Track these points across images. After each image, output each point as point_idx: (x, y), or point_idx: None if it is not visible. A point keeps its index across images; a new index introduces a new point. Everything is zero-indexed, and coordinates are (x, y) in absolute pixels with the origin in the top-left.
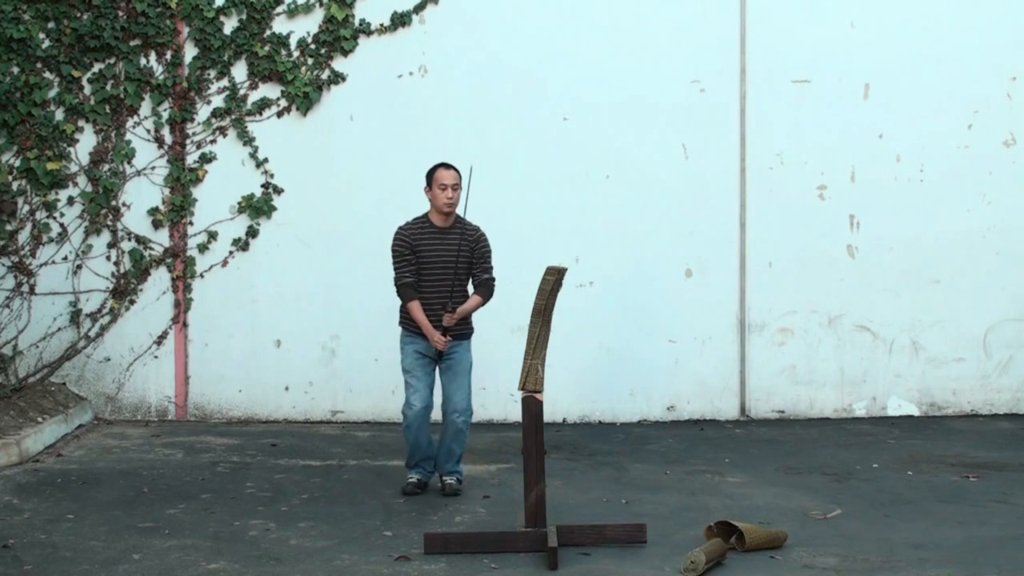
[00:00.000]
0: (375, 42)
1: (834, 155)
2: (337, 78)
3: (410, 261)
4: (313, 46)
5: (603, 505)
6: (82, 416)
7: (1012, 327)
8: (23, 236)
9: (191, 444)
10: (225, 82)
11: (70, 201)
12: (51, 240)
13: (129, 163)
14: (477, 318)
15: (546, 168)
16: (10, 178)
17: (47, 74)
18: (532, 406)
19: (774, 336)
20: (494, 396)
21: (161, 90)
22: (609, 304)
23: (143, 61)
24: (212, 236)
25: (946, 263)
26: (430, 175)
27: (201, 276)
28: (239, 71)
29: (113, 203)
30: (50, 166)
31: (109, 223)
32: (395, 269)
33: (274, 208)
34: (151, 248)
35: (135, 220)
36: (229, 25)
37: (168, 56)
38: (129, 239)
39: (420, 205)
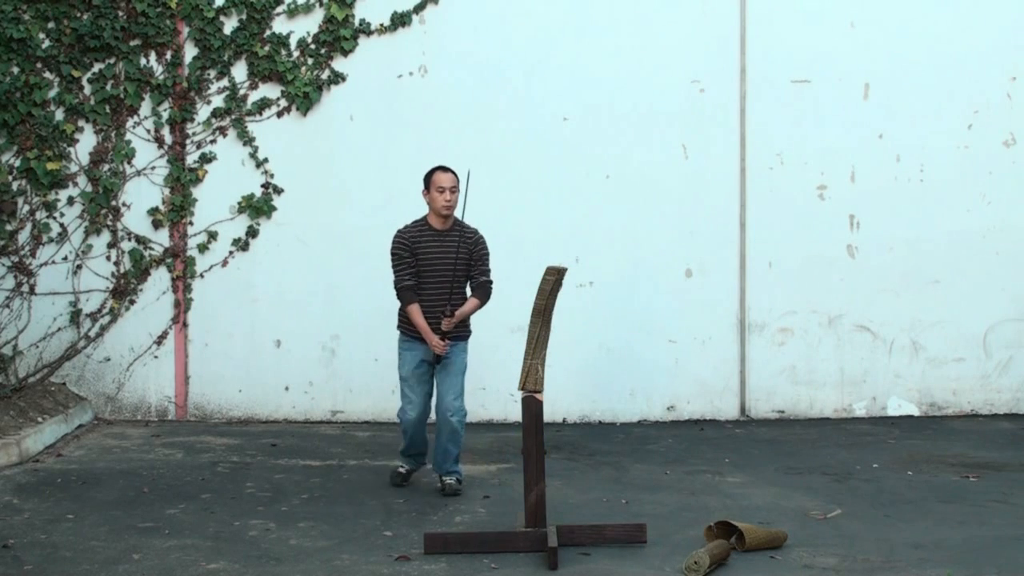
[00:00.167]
0: (375, 42)
1: (834, 155)
2: (337, 78)
3: (410, 264)
4: (313, 46)
5: (603, 505)
6: (82, 416)
7: (1012, 327)
8: (23, 236)
9: (191, 444)
10: (225, 82)
11: (70, 201)
12: (51, 240)
13: (129, 163)
14: (476, 319)
15: (546, 168)
16: (10, 178)
17: (47, 74)
18: (532, 406)
19: (774, 336)
20: (494, 396)
21: (161, 90)
22: (609, 304)
23: (143, 61)
24: (212, 236)
25: (946, 263)
26: (428, 178)
27: (201, 276)
28: (239, 71)
29: (113, 203)
30: (50, 166)
31: (109, 223)
32: (395, 272)
33: (274, 208)
34: (151, 248)
35: (135, 220)
36: (229, 25)
37: (168, 56)
38: (129, 239)
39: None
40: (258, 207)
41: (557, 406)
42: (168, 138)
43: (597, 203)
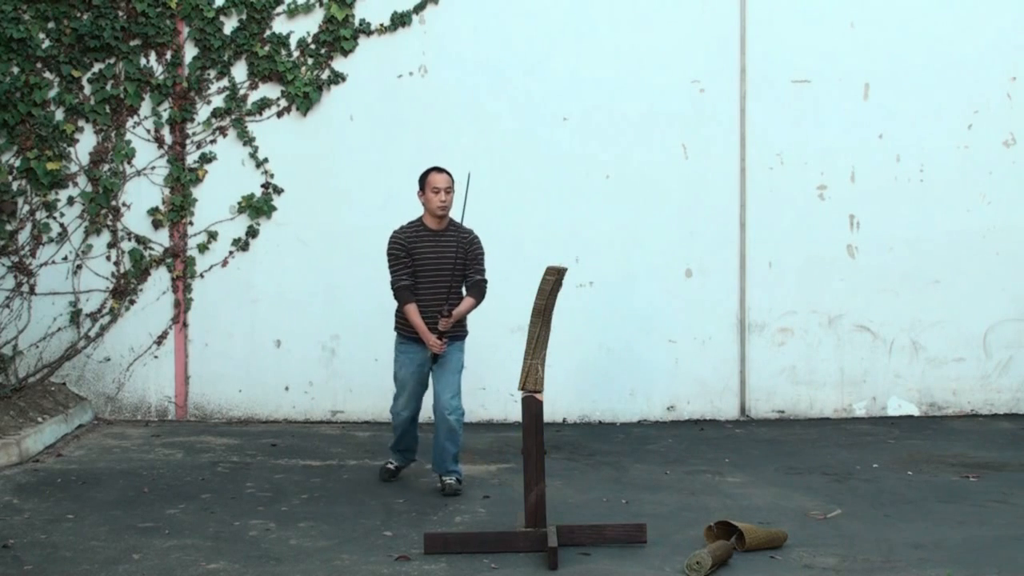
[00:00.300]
0: (375, 42)
1: (834, 155)
2: (337, 78)
3: (406, 264)
4: (313, 46)
5: (603, 505)
6: (82, 416)
7: (1012, 327)
8: (23, 236)
9: (191, 444)
10: (225, 82)
11: (70, 201)
12: (51, 240)
13: (129, 163)
14: (477, 318)
15: (546, 168)
16: (10, 178)
17: (47, 74)
18: (532, 406)
19: (774, 336)
20: (494, 396)
21: (161, 90)
22: (609, 304)
23: (143, 61)
24: (212, 236)
25: (946, 263)
26: (423, 179)
27: (201, 276)
28: (239, 71)
29: (113, 203)
30: (50, 166)
31: (109, 223)
32: (392, 272)
33: (274, 208)
34: (151, 248)
35: (135, 220)
36: (229, 25)
37: (168, 56)
38: (129, 239)
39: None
40: (258, 207)
41: (557, 406)
42: (168, 138)
43: (597, 203)
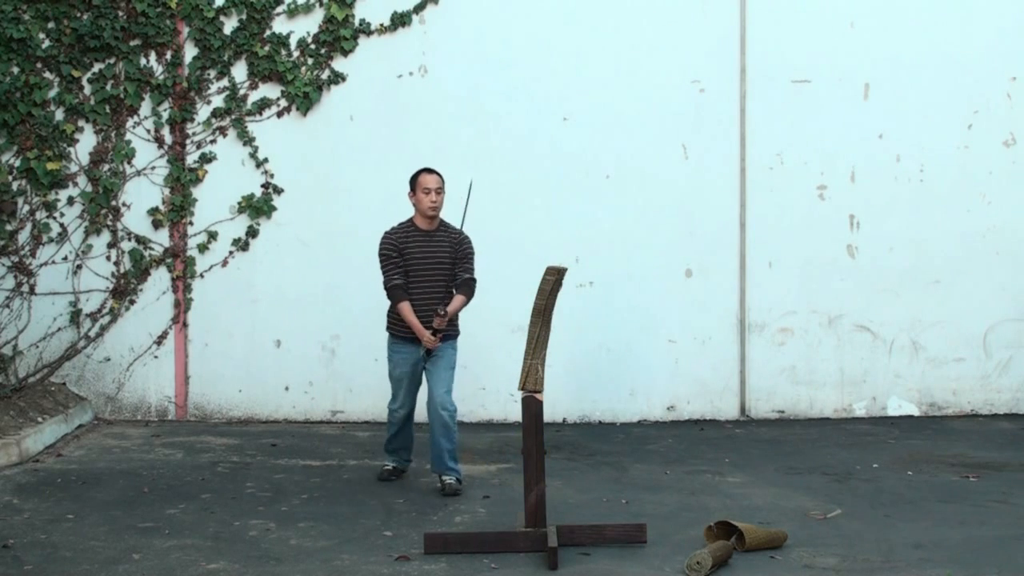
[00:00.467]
0: (375, 42)
1: (834, 155)
2: (337, 78)
3: (398, 264)
4: (313, 46)
5: (603, 505)
6: (82, 416)
7: (1012, 327)
8: (23, 236)
9: (191, 444)
10: (225, 82)
11: (70, 201)
12: (51, 240)
13: (129, 163)
14: (476, 319)
15: (546, 168)
16: (10, 178)
17: (47, 74)
18: (532, 406)
19: (774, 336)
20: (494, 396)
21: (161, 90)
22: (609, 304)
23: (143, 61)
24: (212, 236)
25: (946, 263)
26: (413, 180)
27: (201, 276)
28: (239, 71)
29: (113, 203)
30: (50, 166)
31: (109, 223)
32: (384, 272)
33: (274, 208)
34: (151, 248)
35: (135, 220)
36: (229, 25)
37: (168, 56)
38: (129, 239)
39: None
40: (258, 207)
41: (557, 406)
42: (168, 138)
43: (597, 203)
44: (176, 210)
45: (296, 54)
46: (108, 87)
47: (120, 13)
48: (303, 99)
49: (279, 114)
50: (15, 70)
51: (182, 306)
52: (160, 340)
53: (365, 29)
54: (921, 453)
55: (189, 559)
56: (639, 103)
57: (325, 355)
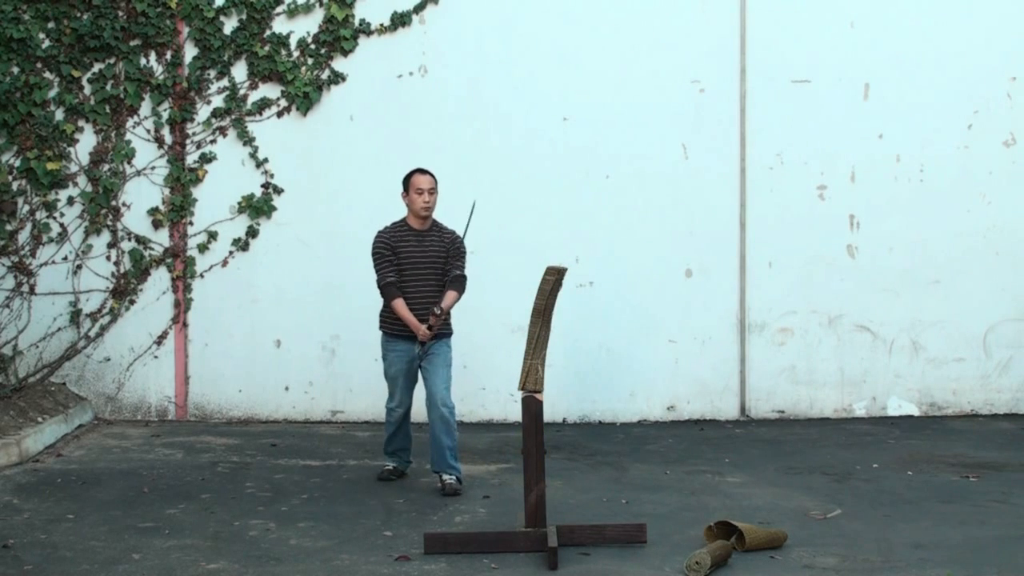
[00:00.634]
0: (375, 42)
1: (834, 155)
2: (337, 78)
3: (391, 262)
4: (313, 46)
5: (603, 505)
6: (82, 416)
7: (1012, 327)
8: (23, 236)
9: (191, 444)
10: (225, 82)
11: (70, 201)
12: (51, 240)
13: (129, 163)
14: (476, 318)
15: (546, 168)
16: (10, 178)
17: (47, 74)
18: (532, 406)
19: (774, 336)
20: (494, 396)
21: (161, 90)
22: (609, 304)
23: (143, 61)
24: (212, 236)
25: (946, 263)
26: (406, 180)
27: (201, 276)
28: (239, 71)
29: (113, 203)
30: (50, 166)
31: (109, 223)
32: (377, 271)
33: (274, 208)
34: (151, 248)
35: (135, 220)
36: (229, 25)
37: (168, 56)
38: (129, 239)
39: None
40: (258, 207)
41: (557, 406)
42: (168, 138)
43: (597, 203)
44: (176, 210)
45: (296, 54)
46: (108, 87)
47: (120, 13)
48: (303, 99)
49: (279, 114)
50: (15, 70)
51: (182, 306)
52: (160, 340)
53: (365, 29)
54: (921, 453)
55: (189, 559)
56: (639, 103)
57: (325, 355)
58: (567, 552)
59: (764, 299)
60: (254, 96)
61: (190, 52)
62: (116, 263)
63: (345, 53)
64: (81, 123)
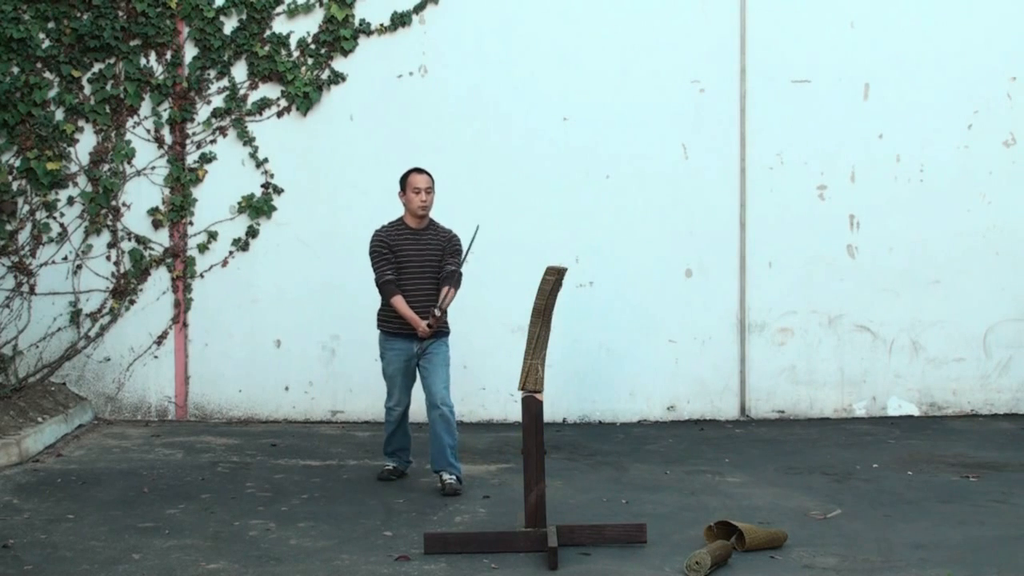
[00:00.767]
0: (375, 42)
1: (834, 155)
2: (337, 78)
3: (389, 260)
4: (313, 46)
5: (603, 505)
6: (82, 416)
7: (1012, 327)
8: (23, 236)
9: (191, 444)
10: (225, 82)
11: (70, 201)
12: (51, 240)
13: (129, 163)
14: (476, 318)
15: (546, 168)
16: (10, 178)
17: (47, 74)
18: (532, 406)
19: (774, 336)
20: (494, 396)
21: (161, 90)
22: (609, 304)
23: (143, 61)
24: (212, 236)
25: (946, 263)
26: (404, 180)
27: (201, 276)
28: (239, 71)
29: (113, 203)
30: (50, 166)
31: (109, 223)
32: (376, 269)
33: (274, 208)
34: (151, 248)
35: (135, 220)
36: (229, 25)
37: (168, 56)
38: (129, 239)
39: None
40: (258, 207)
41: (557, 406)
42: (168, 138)
43: (597, 203)
44: (176, 210)
45: (296, 54)
46: (108, 87)
47: (120, 13)
48: (303, 99)
49: (279, 114)
50: (15, 70)
51: (182, 306)
52: (160, 340)
53: (365, 29)
54: (921, 453)
55: (189, 559)
56: (639, 103)
57: (325, 355)
58: (567, 552)
59: (764, 299)
60: (254, 96)
61: (190, 52)
62: (116, 263)
63: (345, 53)
64: (81, 123)
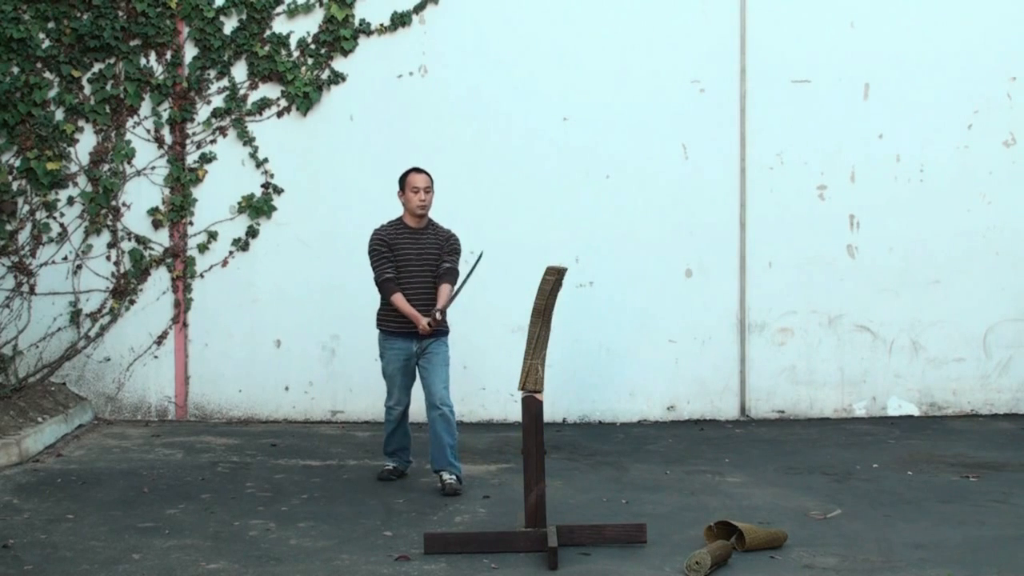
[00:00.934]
0: (375, 42)
1: (834, 155)
2: (337, 78)
3: (388, 258)
4: (313, 46)
5: (603, 505)
6: (82, 416)
7: (1012, 327)
8: (23, 236)
9: (191, 444)
10: (225, 82)
11: (70, 201)
12: (51, 240)
13: (129, 163)
14: (476, 318)
15: (546, 168)
16: (10, 178)
17: (47, 74)
18: (532, 406)
19: (774, 336)
20: (494, 396)
21: (161, 90)
22: (609, 304)
23: (143, 61)
24: (212, 236)
25: (946, 263)
26: (403, 179)
27: (201, 276)
28: (239, 71)
29: (113, 203)
30: (50, 166)
31: (109, 223)
32: (375, 268)
33: (274, 208)
34: (151, 248)
35: (135, 220)
36: (229, 25)
37: (168, 56)
38: (129, 239)
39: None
40: (258, 207)
41: (557, 406)
42: (168, 138)
43: (597, 203)
44: (176, 210)
45: (296, 54)
46: (108, 87)
47: (120, 13)
48: (303, 99)
49: (279, 114)
50: (15, 70)
51: (182, 306)
52: (160, 340)
53: (365, 29)
54: (921, 453)
55: (189, 559)
56: (639, 103)
57: (325, 355)
58: (567, 552)
59: (764, 299)
60: (254, 96)
61: (190, 52)
62: (116, 263)
63: (345, 53)
64: (81, 123)
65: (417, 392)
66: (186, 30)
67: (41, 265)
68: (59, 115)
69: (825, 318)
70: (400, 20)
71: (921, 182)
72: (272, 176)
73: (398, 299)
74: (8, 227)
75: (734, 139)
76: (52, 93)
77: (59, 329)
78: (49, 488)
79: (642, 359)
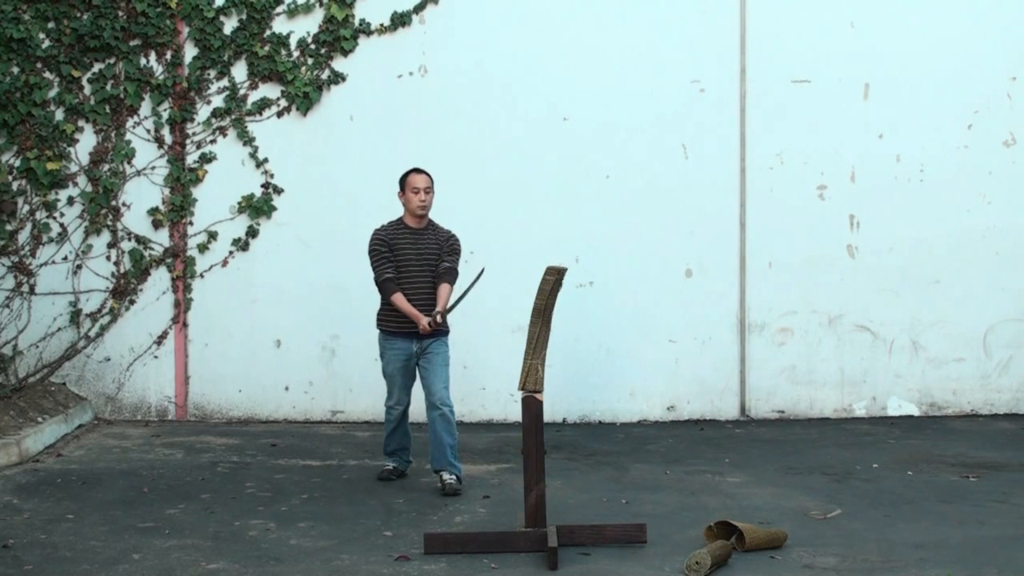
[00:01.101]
0: (375, 42)
1: (834, 155)
2: (337, 78)
3: (388, 258)
4: (313, 46)
5: (603, 505)
6: (82, 416)
7: (1012, 327)
8: (23, 236)
9: (191, 444)
10: (225, 82)
11: (70, 201)
12: (51, 240)
13: (129, 163)
14: (476, 318)
15: (546, 168)
16: (10, 178)
17: (47, 74)
18: (532, 406)
19: (774, 336)
20: (494, 396)
21: (161, 90)
22: (609, 304)
23: (143, 61)
24: (212, 236)
25: (946, 263)
26: (403, 180)
27: (201, 276)
28: (239, 71)
29: (113, 203)
30: (50, 166)
31: (109, 223)
32: (375, 268)
33: (274, 208)
34: (151, 248)
35: (135, 220)
36: (229, 25)
37: (168, 56)
38: (129, 239)
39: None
40: (258, 207)
41: (557, 406)
42: (168, 138)
43: (597, 203)
44: (176, 210)
45: (296, 54)
46: (108, 87)
47: (120, 13)
48: (303, 99)
49: (279, 114)
50: (15, 70)
51: (182, 306)
52: (160, 340)
53: (365, 29)
54: (921, 453)
55: (189, 559)
56: (639, 103)
57: (325, 355)
58: (567, 552)
59: (764, 299)
60: (254, 96)
61: (190, 52)
62: (116, 263)
63: (345, 53)
64: (81, 123)
65: (417, 392)
66: (186, 30)
67: (41, 265)
68: (59, 115)
69: (825, 318)
70: (400, 20)
71: (921, 182)
72: (272, 176)
73: (398, 299)
74: (8, 227)
75: (734, 139)
76: (52, 93)
77: (59, 329)
78: (49, 488)
79: (642, 359)
